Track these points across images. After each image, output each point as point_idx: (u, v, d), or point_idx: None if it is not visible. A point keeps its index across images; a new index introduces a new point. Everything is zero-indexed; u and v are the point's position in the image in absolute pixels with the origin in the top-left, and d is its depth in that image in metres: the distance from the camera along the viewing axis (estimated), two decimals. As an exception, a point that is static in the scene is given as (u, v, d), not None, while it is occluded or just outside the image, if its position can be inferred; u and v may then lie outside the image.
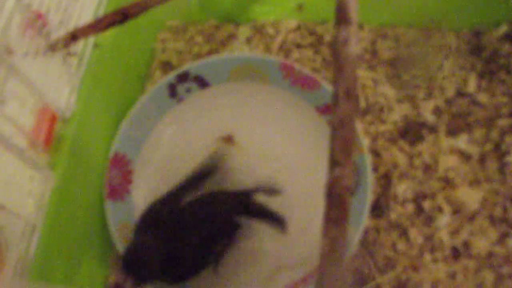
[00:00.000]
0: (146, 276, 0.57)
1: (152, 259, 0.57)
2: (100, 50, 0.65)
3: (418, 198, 0.70)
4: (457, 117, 0.74)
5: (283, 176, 0.71)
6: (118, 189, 0.70)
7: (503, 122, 0.73)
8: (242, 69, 0.75)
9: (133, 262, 0.56)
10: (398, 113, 0.75)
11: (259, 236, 0.68)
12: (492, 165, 0.71)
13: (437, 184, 0.70)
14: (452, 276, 0.66)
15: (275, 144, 0.74)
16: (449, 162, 0.71)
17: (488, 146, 0.72)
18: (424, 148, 0.72)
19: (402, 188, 0.70)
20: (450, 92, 0.76)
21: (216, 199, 0.65)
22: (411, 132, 0.74)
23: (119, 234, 0.66)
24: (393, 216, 0.69)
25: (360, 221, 0.64)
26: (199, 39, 0.84)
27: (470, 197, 0.69)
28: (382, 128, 0.74)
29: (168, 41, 0.85)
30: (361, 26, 0.82)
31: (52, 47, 0.57)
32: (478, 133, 0.73)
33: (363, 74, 0.78)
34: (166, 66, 0.83)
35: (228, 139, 0.74)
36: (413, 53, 0.80)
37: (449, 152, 0.72)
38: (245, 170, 0.71)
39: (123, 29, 0.60)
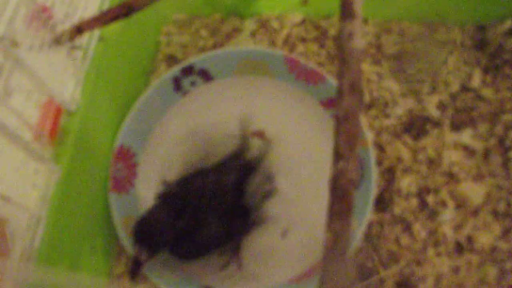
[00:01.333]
0: (157, 245, 0.59)
1: (161, 228, 0.59)
2: (105, 43, 0.65)
3: (422, 193, 0.70)
4: (461, 111, 0.74)
5: (286, 169, 0.71)
6: (123, 182, 0.70)
7: (507, 117, 0.73)
8: (246, 62, 0.75)
9: (143, 234, 0.59)
10: (402, 108, 0.75)
11: (262, 229, 0.69)
12: (496, 160, 0.71)
13: (441, 178, 0.70)
14: (456, 270, 0.66)
15: (279, 137, 0.74)
16: (453, 156, 0.71)
17: (492, 141, 0.72)
18: (428, 142, 0.72)
19: (406, 182, 0.70)
20: (455, 86, 0.76)
21: (227, 177, 0.65)
22: (415, 126, 0.74)
23: (123, 227, 0.66)
24: (397, 210, 0.69)
25: (363, 215, 0.65)
26: (204, 32, 0.84)
27: (474, 191, 0.69)
28: (386, 122, 0.74)
29: (173, 34, 0.85)
30: (365, 21, 0.82)
31: (57, 40, 0.56)
32: (482, 128, 0.73)
33: (367, 68, 0.78)
34: (171, 60, 0.83)
35: (259, 133, 0.74)
36: (417, 47, 0.80)
37: (453, 146, 0.72)
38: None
39: (128, 22, 0.60)
